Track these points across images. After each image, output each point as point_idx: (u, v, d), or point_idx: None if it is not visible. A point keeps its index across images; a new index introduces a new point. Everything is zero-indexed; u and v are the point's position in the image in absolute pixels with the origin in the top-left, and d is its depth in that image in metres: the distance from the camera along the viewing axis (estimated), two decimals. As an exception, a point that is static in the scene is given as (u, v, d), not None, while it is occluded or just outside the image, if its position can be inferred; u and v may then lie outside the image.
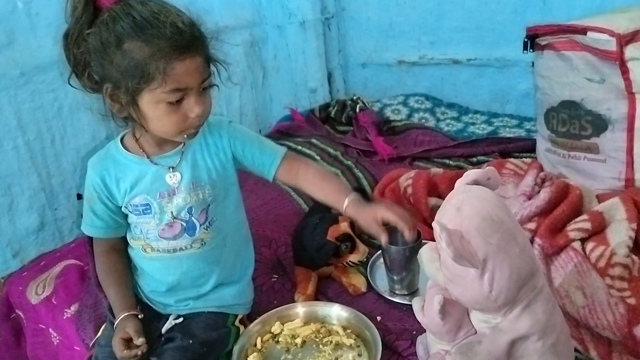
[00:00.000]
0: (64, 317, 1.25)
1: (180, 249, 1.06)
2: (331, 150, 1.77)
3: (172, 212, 1.04)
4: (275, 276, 1.31)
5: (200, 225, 1.06)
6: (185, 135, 0.99)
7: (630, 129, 1.37)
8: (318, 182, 1.09)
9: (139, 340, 0.99)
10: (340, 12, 2.46)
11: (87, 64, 0.95)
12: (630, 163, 1.39)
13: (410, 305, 1.15)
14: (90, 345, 1.13)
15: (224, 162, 1.07)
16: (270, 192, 1.27)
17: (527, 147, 1.77)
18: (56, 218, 1.78)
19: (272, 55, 2.43)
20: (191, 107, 0.94)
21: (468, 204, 0.84)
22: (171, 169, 1.03)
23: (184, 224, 1.05)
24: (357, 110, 2.03)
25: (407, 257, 1.18)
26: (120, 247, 1.12)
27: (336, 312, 1.14)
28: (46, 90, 1.69)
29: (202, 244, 1.07)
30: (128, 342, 1.00)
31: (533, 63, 2.09)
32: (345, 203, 1.05)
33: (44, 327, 1.30)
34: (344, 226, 1.21)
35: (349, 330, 1.12)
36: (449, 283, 0.86)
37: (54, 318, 1.27)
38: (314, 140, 1.84)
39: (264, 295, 1.24)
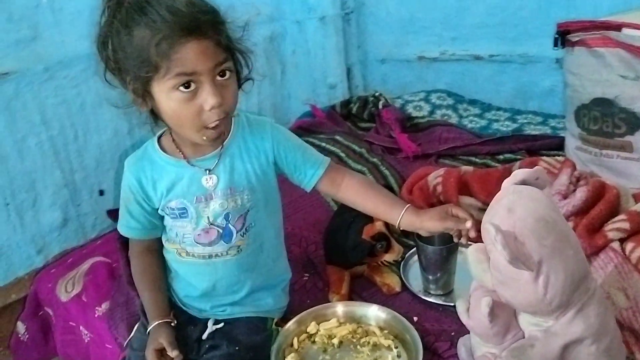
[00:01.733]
0: (95, 315, 1.24)
1: (216, 255, 1.04)
2: (356, 147, 1.75)
3: (208, 218, 1.01)
4: (307, 275, 1.30)
5: (237, 232, 1.03)
6: (204, 137, 0.92)
7: (666, 127, 1.35)
8: (364, 193, 1.05)
9: (173, 353, 0.97)
10: (360, 7, 2.44)
11: (115, 61, 0.92)
12: (665, 162, 1.37)
13: (447, 305, 1.16)
14: (124, 345, 1.12)
15: (265, 167, 1.03)
16: (298, 188, 1.25)
17: (554, 144, 1.75)
18: (79, 214, 1.78)
19: (291, 51, 2.41)
20: (205, 98, 0.87)
21: (520, 204, 0.82)
22: (207, 172, 1.00)
23: (220, 231, 1.02)
24: (380, 106, 2.01)
25: (443, 257, 1.17)
26: (156, 248, 1.10)
27: (373, 313, 1.13)
28: (69, 86, 1.69)
29: (238, 251, 1.04)
30: (162, 353, 0.99)
31: (558, 60, 2.10)
32: (402, 213, 1.01)
33: (74, 324, 1.30)
34: (379, 225, 1.19)
35: (386, 331, 1.11)
36: (499, 285, 0.84)
37: (84, 316, 1.26)
38: (337, 137, 1.82)
39: (296, 294, 1.23)
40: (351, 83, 2.50)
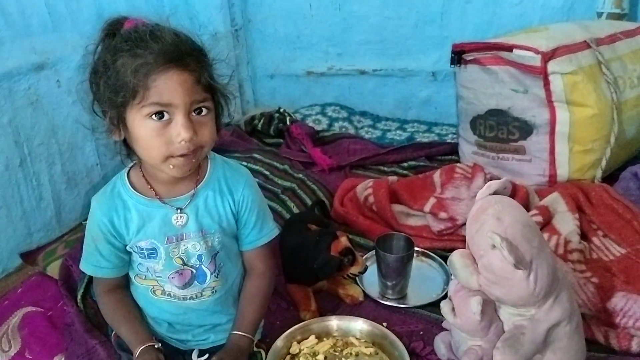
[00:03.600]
0: (50, 373, 1.12)
1: (191, 297, 1.03)
2: (278, 165, 1.79)
3: (181, 259, 0.99)
4: (267, 297, 1.31)
5: (211, 274, 1.03)
6: (171, 166, 0.90)
7: (552, 133, 1.61)
8: (246, 296, 1.07)
9: None
10: (247, 24, 2.46)
11: (97, 89, 0.90)
12: (552, 161, 1.63)
13: (408, 308, 1.27)
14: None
15: (231, 211, 1.02)
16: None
17: (448, 150, 1.97)
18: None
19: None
20: (177, 130, 0.86)
21: (506, 213, 0.94)
22: (179, 210, 0.98)
23: (194, 271, 1.01)
24: (288, 122, 2.06)
25: (403, 264, 1.27)
26: (124, 284, 1.05)
27: (345, 324, 1.18)
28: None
29: (212, 292, 1.04)
30: None
31: (433, 73, 2.35)
32: (234, 334, 1.02)
33: (18, 387, 1.16)
34: (344, 240, 1.25)
35: (363, 340, 1.17)
36: (491, 285, 0.96)
37: (33, 375, 1.13)
38: (255, 155, 1.83)
39: (264, 318, 1.23)
40: (242, 98, 2.51)
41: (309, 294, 1.27)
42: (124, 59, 0.85)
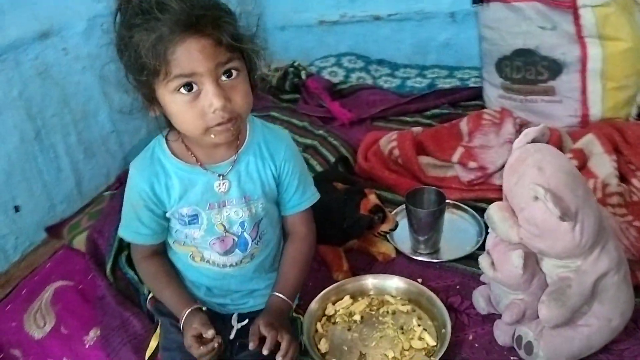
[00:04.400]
0: (86, 346, 1.12)
1: (231, 265, 1.01)
2: (297, 122, 1.73)
3: (223, 225, 0.97)
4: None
5: (252, 241, 1.01)
6: (212, 135, 0.86)
7: (583, 70, 1.53)
8: (288, 259, 1.05)
9: (209, 333, 0.91)
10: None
11: (125, 65, 0.86)
12: (584, 101, 1.56)
13: (442, 262, 1.24)
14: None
15: (273, 175, 1.00)
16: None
17: (472, 95, 1.89)
18: (-5, 237, 1.56)
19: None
20: (209, 100, 0.82)
21: (547, 162, 0.89)
22: (221, 177, 0.95)
23: (236, 239, 0.99)
24: (303, 76, 1.99)
25: (435, 218, 1.23)
26: (163, 250, 1.04)
27: (381, 283, 1.16)
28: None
29: (251, 259, 1.03)
30: (200, 339, 0.93)
31: (452, 14, 2.24)
32: (275, 296, 1.00)
33: (54, 361, 1.16)
34: (372, 198, 1.21)
35: (399, 298, 1.15)
36: (534, 239, 0.92)
37: (70, 350, 1.13)
38: (273, 113, 1.78)
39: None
40: (254, 54, 2.43)
41: (341, 254, 1.24)
42: (140, 35, 0.81)
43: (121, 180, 1.57)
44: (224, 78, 0.84)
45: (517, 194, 0.92)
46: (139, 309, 1.15)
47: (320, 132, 1.66)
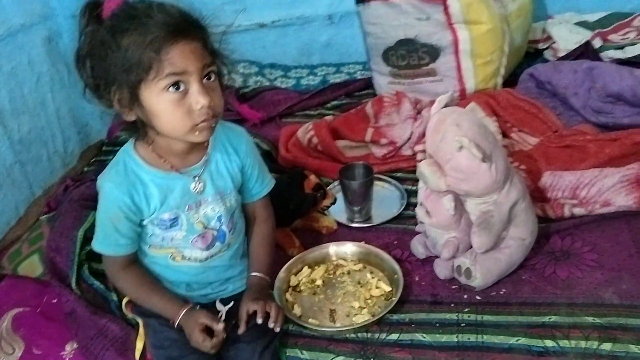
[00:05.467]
0: None
1: (212, 256, 1.10)
2: (214, 126, 1.82)
3: (202, 223, 1.05)
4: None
5: (229, 232, 1.10)
6: (197, 133, 0.95)
7: (456, 52, 1.80)
8: (257, 241, 1.16)
9: (219, 326, 1.01)
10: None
11: (98, 74, 0.92)
12: (460, 78, 1.83)
13: (377, 225, 1.41)
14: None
15: (239, 168, 1.10)
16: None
17: (364, 85, 2.12)
18: None
19: (72, 48, 2.24)
20: (195, 98, 0.91)
21: (463, 119, 1.11)
22: (197, 178, 1.04)
23: (215, 233, 1.08)
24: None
25: (366, 189, 1.41)
26: (136, 258, 1.09)
27: (333, 250, 1.31)
28: None
29: (228, 247, 1.12)
30: (207, 333, 1.02)
31: (330, 16, 2.45)
32: (251, 275, 1.12)
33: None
34: (313, 178, 1.36)
35: (349, 260, 1.30)
36: (460, 183, 1.12)
37: (49, 367, 1.15)
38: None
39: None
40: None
41: (289, 233, 1.38)
42: (131, 37, 0.88)
43: (50, 205, 1.56)
44: (205, 80, 0.93)
45: (442, 148, 1.12)
46: (112, 315, 1.19)
47: (239, 132, 1.77)
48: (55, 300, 1.25)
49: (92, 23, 0.91)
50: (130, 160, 1.01)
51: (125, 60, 0.88)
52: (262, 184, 1.16)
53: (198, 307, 1.07)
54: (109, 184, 1.01)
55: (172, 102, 0.91)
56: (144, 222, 1.04)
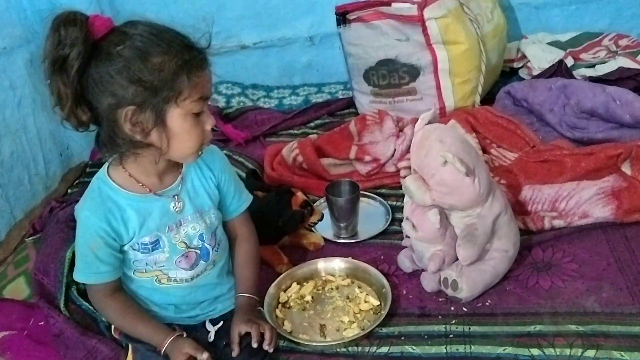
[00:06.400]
0: (55, 383, 1.13)
1: (197, 275, 1.10)
2: (199, 146, 1.84)
3: (184, 243, 1.06)
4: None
5: (212, 249, 1.11)
6: (200, 152, 1.01)
7: (435, 71, 1.85)
8: (241, 261, 1.17)
9: (204, 356, 1.00)
10: (116, 15, 2.39)
11: (80, 97, 0.92)
12: (440, 96, 1.88)
13: (363, 241, 1.44)
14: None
15: (215, 185, 1.11)
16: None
17: (345, 104, 2.16)
18: None
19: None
20: (206, 119, 0.98)
21: (446, 135, 1.14)
22: (176, 197, 1.05)
23: (198, 252, 1.09)
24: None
25: (352, 205, 1.43)
26: (120, 285, 1.09)
27: (322, 266, 1.33)
28: None
29: (213, 265, 1.13)
30: None
31: (310, 38, 2.50)
32: (242, 296, 1.12)
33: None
34: (300, 195, 1.38)
35: (338, 275, 1.32)
36: (445, 197, 1.16)
37: (38, 390, 1.13)
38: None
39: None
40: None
41: (277, 250, 1.39)
42: (162, 59, 0.89)
43: (35, 227, 1.55)
44: None
45: (427, 164, 1.15)
46: (101, 336, 1.18)
47: (224, 151, 1.78)
48: (42, 323, 1.24)
49: (80, 38, 0.88)
50: (105, 186, 1.02)
51: (157, 78, 0.89)
52: (240, 199, 1.17)
53: (184, 334, 1.06)
54: (85, 212, 1.00)
55: (192, 123, 0.95)
56: (125, 248, 1.04)
